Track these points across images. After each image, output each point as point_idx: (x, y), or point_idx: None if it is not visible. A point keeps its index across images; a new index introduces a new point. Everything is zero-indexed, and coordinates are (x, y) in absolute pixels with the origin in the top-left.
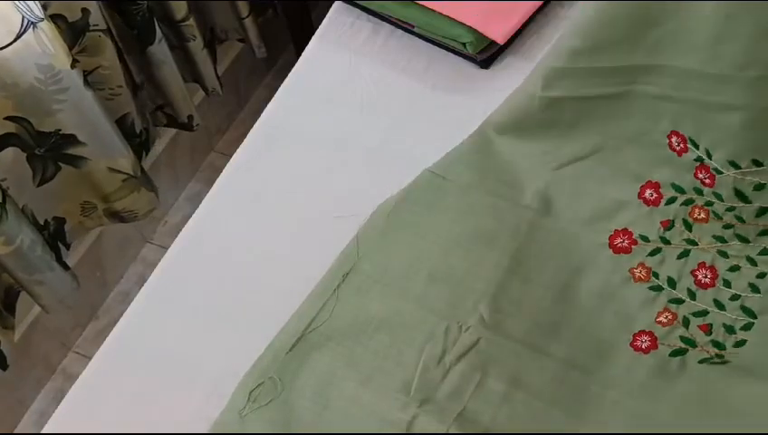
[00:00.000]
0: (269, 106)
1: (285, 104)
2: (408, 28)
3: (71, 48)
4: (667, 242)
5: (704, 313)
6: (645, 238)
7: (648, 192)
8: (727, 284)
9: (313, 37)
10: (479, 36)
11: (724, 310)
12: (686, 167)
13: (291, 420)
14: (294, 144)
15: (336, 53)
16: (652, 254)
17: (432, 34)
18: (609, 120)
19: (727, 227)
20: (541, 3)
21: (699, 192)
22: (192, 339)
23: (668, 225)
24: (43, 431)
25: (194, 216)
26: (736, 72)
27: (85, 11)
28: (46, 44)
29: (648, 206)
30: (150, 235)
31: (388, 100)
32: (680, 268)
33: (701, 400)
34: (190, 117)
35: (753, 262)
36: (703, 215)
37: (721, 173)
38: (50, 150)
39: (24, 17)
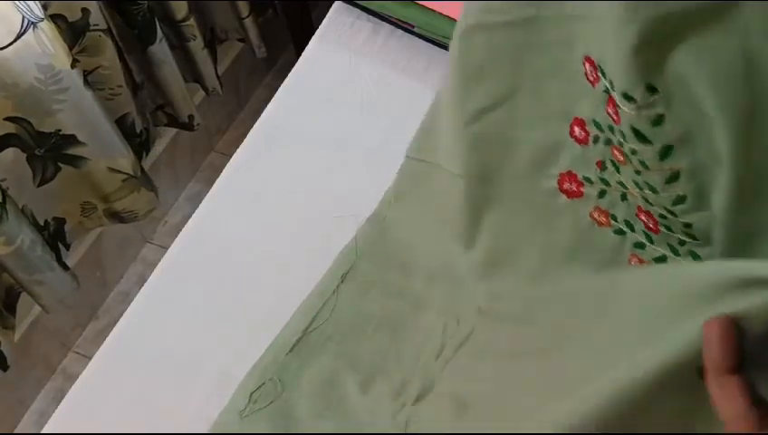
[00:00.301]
0: (269, 106)
1: (285, 104)
2: (408, 28)
3: (71, 48)
4: (607, 184)
5: (663, 258)
6: (588, 180)
7: (576, 130)
8: (668, 228)
9: (313, 37)
10: None
11: (679, 256)
12: (600, 99)
13: (291, 421)
14: (294, 144)
15: (336, 53)
16: (601, 196)
17: (432, 34)
18: (522, 54)
19: (637, 172)
20: None
21: (612, 130)
22: (192, 339)
23: (602, 166)
24: (43, 431)
25: (194, 216)
26: None
27: (85, 11)
28: (46, 44)
29: (580, 145)
30: (150, 235)
31: (388, 100)
32: (628, 211)
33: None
34: (191, 117)
35: (672, 214)
36: (621, 157)
37: (620, 108)
38: (50, 151)
39: (24, 17)
